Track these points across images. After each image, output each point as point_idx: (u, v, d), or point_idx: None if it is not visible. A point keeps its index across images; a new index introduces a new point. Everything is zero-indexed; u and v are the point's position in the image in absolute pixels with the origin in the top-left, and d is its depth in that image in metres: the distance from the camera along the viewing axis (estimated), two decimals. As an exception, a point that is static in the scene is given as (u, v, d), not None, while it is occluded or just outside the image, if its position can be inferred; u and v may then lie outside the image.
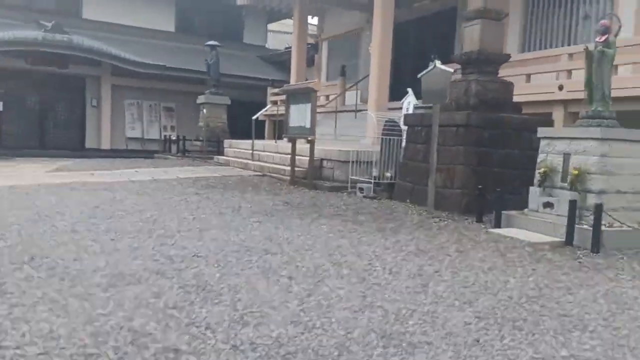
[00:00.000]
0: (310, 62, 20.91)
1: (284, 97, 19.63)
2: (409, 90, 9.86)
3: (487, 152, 7.43)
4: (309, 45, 20.86)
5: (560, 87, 9.45)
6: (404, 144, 9.08)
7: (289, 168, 10.84)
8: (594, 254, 5.38)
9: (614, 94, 6.33)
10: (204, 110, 16.78)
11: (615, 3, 9.71)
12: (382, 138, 9.05)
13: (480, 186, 7.04)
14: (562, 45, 10.49)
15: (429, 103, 7.35)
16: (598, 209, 5.55)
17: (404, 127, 9.06)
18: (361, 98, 14.99)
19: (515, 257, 5.15)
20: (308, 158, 10.55)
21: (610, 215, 5.80)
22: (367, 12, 15.76)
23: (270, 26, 27.27)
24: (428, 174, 7.79)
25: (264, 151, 13.20)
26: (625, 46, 7.68)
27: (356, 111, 14.09)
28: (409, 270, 4.50)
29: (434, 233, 6.14)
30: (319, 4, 16.73)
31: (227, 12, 23.79)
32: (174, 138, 17.84)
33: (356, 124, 14.12)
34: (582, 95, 7.33)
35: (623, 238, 5.76)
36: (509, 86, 8.04)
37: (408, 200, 8.17)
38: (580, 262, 5.08)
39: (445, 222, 6.80)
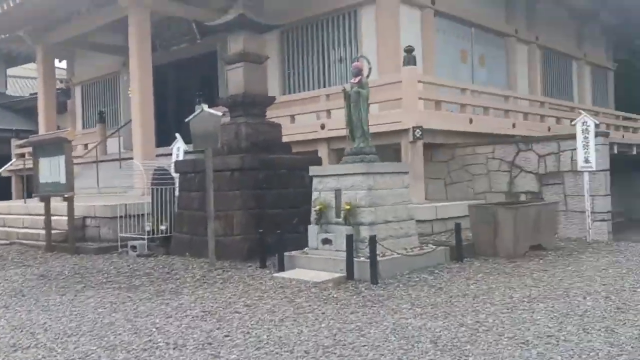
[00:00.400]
0: (62, 108, 18.94)
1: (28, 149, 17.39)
2: (177, 135, 9.38)
3: (263, 194, 7.34)
4: (59, 91, 18.92)
5: (322, 126, 9.99)
6: (177, 192, 8.54)
7: (43, 232, 9.37)
8: (374, 286, 5.56)
9: (371, 129, 6.78)
10: None
11: (360, 46, 10.71)
12: (152, 188, 8.36)
13: (260, 230, 6.88)
14: (320, 87, 11.18)
15: (200, 148, 6.99)
16: (372, 241, 5.78)
17: (176, 175, 8.53)
18: (124, 145, 13.95)
19: (304, 301, 5.03)
20: (67, 218, 9.27)
21: (382, 245, 6.11)
22: (123, 55, 14.91)
23: (10, 71, 24.13)
24: (206, 222, 7.36)
25: (9, 214, 11.26)
26: (374, 86, 8.42)
27: (120, 160, 13.01)
28: (197, 339, 3.99)
29: (218, 288, 5.72)
30: (65, 47, 15.24)
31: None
32: None
33: (121, 174, 13.00)
34: (343, 132, 7.79)
35: (395, 265, 6.11)
36: (277, 127, 8.15)
37: (187, 254, 7.62)
38: (363, 296, 5.17)
39: (229, 273, 6.43)
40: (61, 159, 8.33)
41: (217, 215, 7.02)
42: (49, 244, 8.72)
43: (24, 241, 9.61)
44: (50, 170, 8.51)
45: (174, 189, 8.50)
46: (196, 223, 7.55)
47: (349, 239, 5.90)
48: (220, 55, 13.21)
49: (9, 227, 10.69)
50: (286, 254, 6.54)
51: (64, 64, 19.73)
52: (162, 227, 8.14)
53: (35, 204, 10.79)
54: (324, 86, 11.12)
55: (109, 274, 6.67)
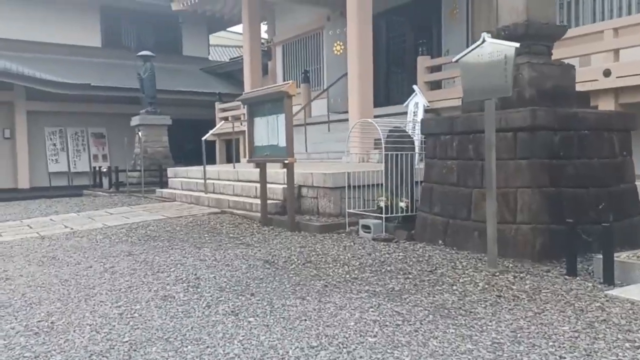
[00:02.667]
0: (263, 71, 18.37)
1: (236, 112, 17.07)
2: (416, 87, 7.51)
3: (560, 165, 5.06)
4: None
5: (607, 73, 7.29)
6: (417, 161, 6.66)
7: (255, 201, 8.22)
8: None
9: None
10: (140, 134, 13.87)
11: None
12: (386, 154, 6.55)
13: (563, 218, 4.67)
14: (602, 18, 8.38)
15: (476, 97, 4.94)
16: None
17: (417, 137, 6.64)
18: (331, 107, 12.55)
19: None
20: (281, 187, 7.97)
21: None
22: (327, 7, 13.42)
23: (211, 40, 24.60)
24: (469, 202, 5.36)
25: (219, 180, 10.49)
26: None
27: (328, 122, 11.63)
28: None
29: (530, 310, 3.65)
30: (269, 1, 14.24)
31: (163, 22, 21.02)
32: (104, 170, 14.79)
33: (330, 138, 11.63)
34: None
35: None
36: (569, 70, 5.73)
37: (441, 242, 5.69)
38: None
39: (527, 282, 4.33)
40: (280, 119, 6.91)
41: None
42: (265, 216, 7.47)
43: (235, 210, 8.58)
44: (268, 131, 7.17)
45: (413, 155, 6.61)
46: (454, 202, 5.56)
47: None
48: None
49: (219, 193, 9.86)
50: (616, 257, 4.24)
51: (263, 28, 19.07)
52: (402, 204, 6.31)
53: (245, 170, 9.80)
54: (609, 17, 8.31)
55: (349, 266, 5.01)
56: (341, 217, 7.19)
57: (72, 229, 7.99)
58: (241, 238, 6.61)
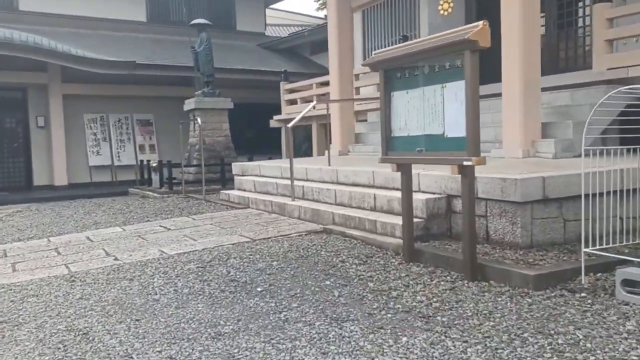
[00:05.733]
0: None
1: (307, 92, 14.30)
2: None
3: None
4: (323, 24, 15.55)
5: None
6: None
7: (380, 217, 5.53)
8: None
9: None
10: (198, 120, 11.28)
11: None
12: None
13: None
14: None
15: None
16: None
17: None
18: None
19: None
20: (422, 197, 5.22)
21: None
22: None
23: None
24: None
25: (308, 180, 7.81)
26: None
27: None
28: None
29: None
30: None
31: (214, -8, 18.44)
32: (154, 164, 12.31)
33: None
34: None
35: None
36: None
37: None
38: None
39: None
40: (452, 90, 4.11)
41: None
42: (410, 245, 4.70)
43: (347, 230, 5.85)
44: (423, 113, 4.36)
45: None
46: None
47: None
48: None
49: (313, 201, 7.16)
50: None
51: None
52: None
53: (346, 169, 7.06)
54: None
55: None
56: (536, 251, 4.39)
57: (115, 259, 5.43)
58: (396, 295, 3.85)
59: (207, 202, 9.43)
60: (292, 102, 14.49)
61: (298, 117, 7.43)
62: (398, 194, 5.69)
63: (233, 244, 5.77)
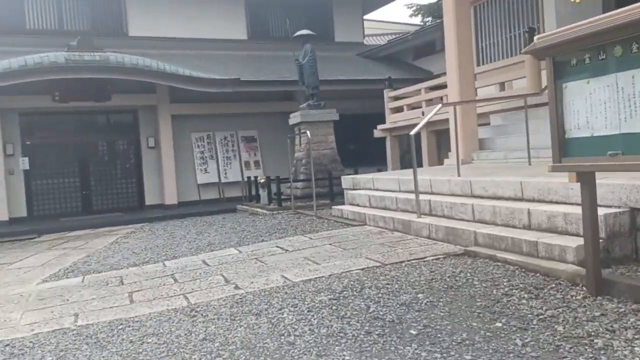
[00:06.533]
0: (436, 46, 14.66)
1: (412, 99, 13.44)
2: None
3: None
4: (425, 28, 14.68)
5: None
6: None
7: (542, 237, 4.59)
8: None
9: None
10: (307, 133, 10.80)
11: None
12: None
13: None
14: None
15: None
16: None
17: None
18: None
19: None
20: (602, 212, 4.23)
21: None
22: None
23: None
24: None
25: (432, 193, 6.99)
26: None
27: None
28: None
29: None
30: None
31: (311, 7, 18.15)
32: (262, 180, 11.99)
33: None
34: None
35: None
36: None
37: None
38: None
39: None
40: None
41: None
42: (597, 275, 3.73)
43: (497, 253, 4.95)
44: (617, 106, 3.42)
45: None
46: None
47: None
48: None
49: (444, 217, 6.32)
50: None
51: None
52: None
53: (482, 179, 6.17)
54: None
55: None
56: None
57: (236, 287, 4.92)
58: (602, 344, 2.93)
59: (319, 219, 8.86)
60: (397, 109, 13.71)
61: (422, 123, 6.65)
62: (561, 209, 4.76)
63: (362, 269, 5.08)
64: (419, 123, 12.34)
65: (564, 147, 3.81)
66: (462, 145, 9.00)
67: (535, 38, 3.93)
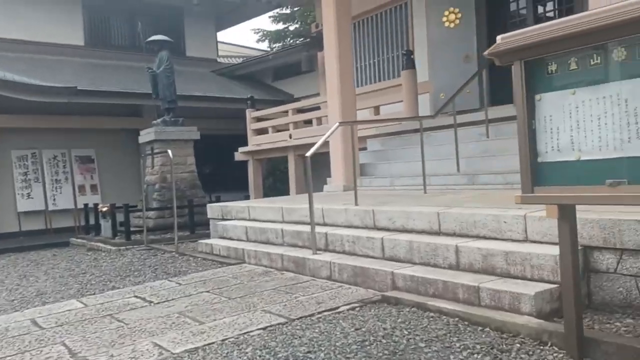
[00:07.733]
0: (308, 66, 14.06)
1: (276, 121, 12.48)
2: None
3: None
4: (307, 40, 14.15)
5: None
6: None
7: (468, 280, 3.88)
8: None
9: None
10: (169, 152, 9.17)
11: None
12: None
13: None
14: None
15: None
16: None
17: None
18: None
19: None
20: (552, 253, 3.62)
21: None
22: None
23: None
24: None
25: (326, 225, 6.07)
26: None
27: (491, 122, 7.34)
28: None
29: None
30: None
31: (160, 17, 16.56)
32: (104, 208, 10.08)
33: (491, 149, 7.31)
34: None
35: None
36: None
37: None
38: None
39: None
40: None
41: None
42: (579, 333, 3.01)
43: (427, 301, 4.13)
44: (609, 123, 2.77)
45: None
46: None
47: None
48: None
49: (348, 254, 5.39)
50: None
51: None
52: None
53: (387, 209, 5.40)
54: None
55: None
56: None
57: (88, 369, 3.42)
58: None
59: (183, 256, 7.44)
60: (261, 131, 12.73)
61: (319, 143, 5.70)
62: (496, 245, 4.12)
63: (264, 329, 3.90)
64: (285, 145, 11.49)
65: (538, 173, 3.09)
66: (344, 170, 8.27)
67: (498, 38, 3.20)
